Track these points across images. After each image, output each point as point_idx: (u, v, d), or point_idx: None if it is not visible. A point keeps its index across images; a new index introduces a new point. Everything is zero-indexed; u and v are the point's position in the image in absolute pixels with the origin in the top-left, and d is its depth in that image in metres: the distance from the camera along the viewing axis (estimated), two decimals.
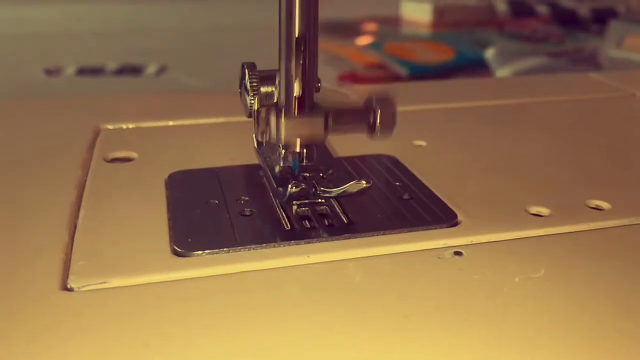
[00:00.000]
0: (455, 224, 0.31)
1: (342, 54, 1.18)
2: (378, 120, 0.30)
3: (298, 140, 0.30)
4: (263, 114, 0.30)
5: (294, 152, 0.31)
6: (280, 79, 0.30)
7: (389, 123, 0.30)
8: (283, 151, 0.32)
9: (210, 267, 0.27)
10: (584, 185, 0.36)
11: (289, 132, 0.29)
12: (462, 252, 0.29)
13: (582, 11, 1.55)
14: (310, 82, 0.29)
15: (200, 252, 0.28)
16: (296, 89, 0.29)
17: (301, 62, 0.29)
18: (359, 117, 0.31)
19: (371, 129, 0.31)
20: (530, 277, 0.27)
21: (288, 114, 0.29)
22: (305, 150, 0.33)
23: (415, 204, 0.33)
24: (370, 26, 1.50)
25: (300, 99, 0.29)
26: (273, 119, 0.29)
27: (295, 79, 0.29)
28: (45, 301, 0.24)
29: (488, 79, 0.99)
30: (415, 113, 0.49)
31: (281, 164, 0.33)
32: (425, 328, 0.23)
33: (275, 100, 0.31)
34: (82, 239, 0.29)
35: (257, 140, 0.35)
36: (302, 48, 0.28)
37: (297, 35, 0.28)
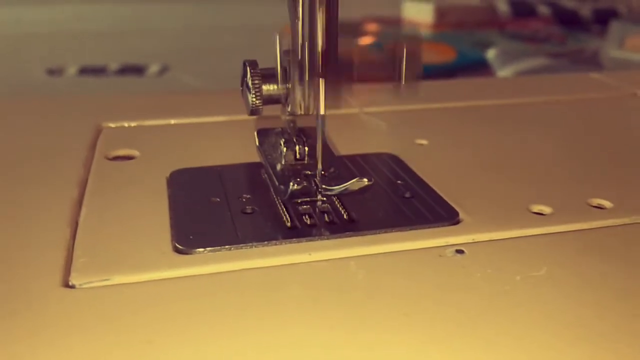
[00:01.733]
0: (457, 222, 0.31)
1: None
2: (404, 69, 0.30)
3: (322, 94, 0.29)
4: (291, 76, 0.30)
5: (319, 115, 0.31)
6: (302, 37, 0.29)
7: (414, 71, 0.30)
8: (285, 150, 0.32)
9: (212, 264, 0.27)
10: (585, 184, 0.36)
11: (316, 87, 0.29)
12: (464, 250, 0.29)
13: (583, 11, 1.55)
14: (333, 35, 0.29)
15: (201, 249, 0.28)
16: (320, 43, 0.29)
17: (325, 15, 0.29)
18: (384, 66, 0.30)
19: (397, 78, 0.30)
20: (532, 276, 0.27)
21: (312, 71, 0.29)
22: (307, 148, 0.33)
23: (417, 202, 0.33)
24: (372, 26, 1.50)
25: (324, 53, 0.29)
26: (296, 79, 0.29)
27: (319, 32, 0.29)
28: (46, 298, 0.25)
29: (490, 79, 0.99)
30: (417, 112, 0.49)
31: (282, 162, 0.33)
32: (426, 326, 0.23)
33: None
34: (84, 237, 0.29)
35: (258, 141, 0.35)
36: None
37: None
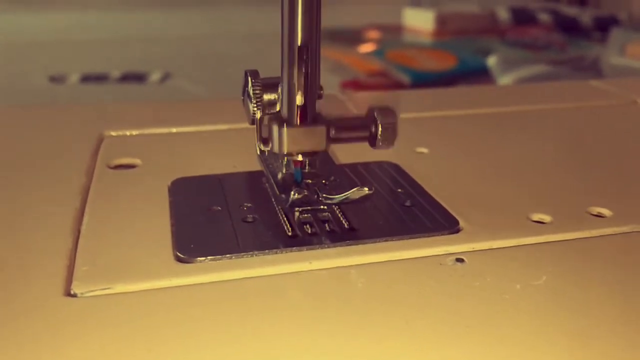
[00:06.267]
0: (457, 231, 0.31)
1: (345, 62, 1.18)
2: (380, 132, 0.30)
3: (300, 151, 0.30)
4: (265, 123, 0.30)
5: (297, 162, 0.31)
6: (282, 88, 0.30)
7: (390, 135, 0.30)
8: (286, 160, 0.33)
9: (213, 273, 0.27)
10: (585, 193, 0.36)
11: (291, 142, 0.29)
12: (464, 258, 0.29)
13: (584, 19, 1.55)
14: (312, 91, 0.29)
15: (202, 258, 0.28)
16: (298, 99, 0.29)
17: (303, 71, 0.29)
18: (360, 127, 0.31)
19: (372, 140, 0.31)
20: (532, 284, 0.27)
21: (290, 124, 0.29)
22: (307, 158, 0.33)
23: (417, 210, 0.33)
24: (373, 34, 1.50)
25: (303, 108, 0.29)
26: (275, 129, 0.29)
27: (298, 88, 0.29)
28: (48, 306, 0.25)
29: (490, 87, 1.00)
30: (417, 120, 0.50)
31: (283, 171, 0.33)
32: (426, 334, 0.24)
33: (277, 110, 0.31)
34: (86, 245, 0.29)
35: (259, 149, 0.35)
36: (305, 57, 0.28)
37: (299, 44, 0.28)
